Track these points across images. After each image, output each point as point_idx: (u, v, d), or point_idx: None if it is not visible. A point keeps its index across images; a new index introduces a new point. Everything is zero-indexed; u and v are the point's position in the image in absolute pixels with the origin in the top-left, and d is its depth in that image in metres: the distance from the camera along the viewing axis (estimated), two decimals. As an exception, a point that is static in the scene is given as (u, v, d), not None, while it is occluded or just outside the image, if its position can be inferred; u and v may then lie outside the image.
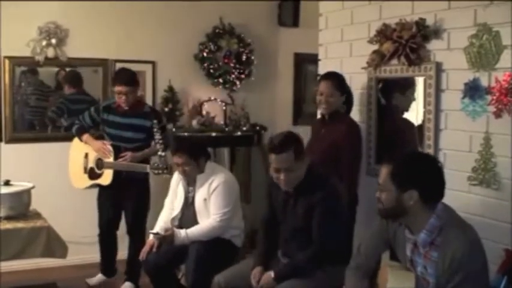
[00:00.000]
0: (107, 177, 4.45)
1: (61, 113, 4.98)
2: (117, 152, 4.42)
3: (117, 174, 4.42)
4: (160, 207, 4.19)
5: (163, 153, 4.10)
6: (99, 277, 4.82)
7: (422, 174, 2.39)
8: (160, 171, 4.09)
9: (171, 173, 4.09)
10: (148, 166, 4.21)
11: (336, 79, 3.74)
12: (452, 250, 2.27)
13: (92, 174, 4.57)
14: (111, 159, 4.41)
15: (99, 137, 4.56)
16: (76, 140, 4.68)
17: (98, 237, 4.76)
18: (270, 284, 3.11)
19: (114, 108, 4.49)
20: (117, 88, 4.38)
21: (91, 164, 4.57)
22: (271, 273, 3.12)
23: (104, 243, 4.76)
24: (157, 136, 4.18)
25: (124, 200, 4.55)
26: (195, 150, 3.89)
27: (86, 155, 4.60)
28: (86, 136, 4.56)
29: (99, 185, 4.58)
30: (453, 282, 2.25)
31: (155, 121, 4.28)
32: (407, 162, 2.45)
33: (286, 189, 3.13)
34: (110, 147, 4.43)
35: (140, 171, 4.28)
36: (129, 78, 4.42)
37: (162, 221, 4.06)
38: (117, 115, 4.48)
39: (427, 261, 2.39)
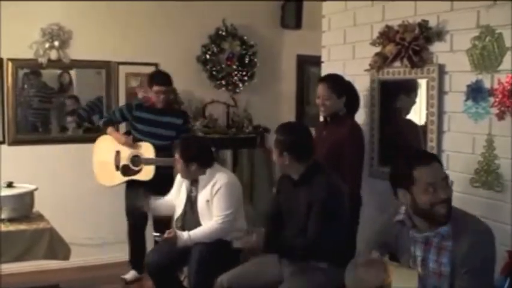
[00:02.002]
0: (148, 173, 4.60)
1: (92, 112, 5.02)
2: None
3: (156, 171, 4.57)
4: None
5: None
6: (133, 273, 4.86)
7: None
8: None
9: None
10: None
11: (331, 82, 3.69)
12: (468, 236, 2.34)
13: (127, 171, 4.66)
14: (151, 156, 4.56)
15: (125, 133, 4.79)
16: (100, 139, 4.80)
17: (128, 231, 4.83)
18: (256, 245, 3.22)
19: (146, 106, 4.69)
20: (157, 88, 4.64)
21: (124, 161, 4.68)
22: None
23: (133, 237, 4.83)
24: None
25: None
26: (186, 153, 3.82)
27: (118, 153, 4.70)
28: (110, 128, 4.77)
29: (130, 181, 4.67)
30: (469, 266, 2.32)
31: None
32: None
33: None
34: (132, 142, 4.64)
35: None
36: (168, 79, 4.74)
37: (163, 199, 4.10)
38: (149, 113, 4.68)
39: (442, 251, 2.42)
